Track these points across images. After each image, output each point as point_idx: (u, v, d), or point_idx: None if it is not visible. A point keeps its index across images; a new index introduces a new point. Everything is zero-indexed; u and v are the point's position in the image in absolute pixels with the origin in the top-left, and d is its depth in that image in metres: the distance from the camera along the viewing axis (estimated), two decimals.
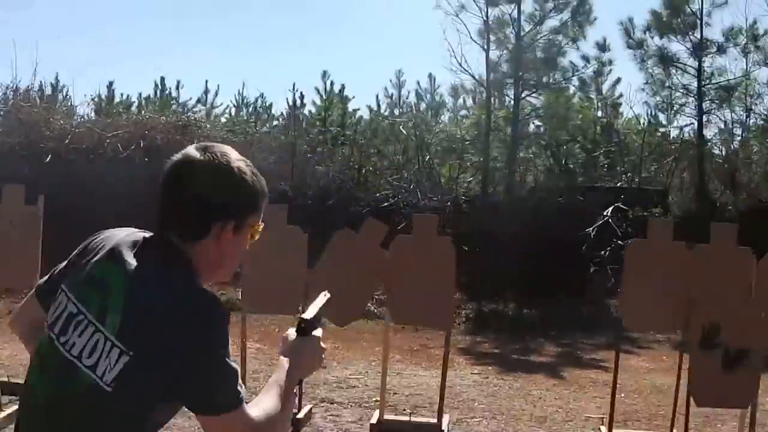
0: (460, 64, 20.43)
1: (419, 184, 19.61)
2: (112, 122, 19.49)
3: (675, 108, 20.34)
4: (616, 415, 8.61)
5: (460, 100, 23.24)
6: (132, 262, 2.39)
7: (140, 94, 27.21)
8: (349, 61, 37.75)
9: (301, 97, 25.35)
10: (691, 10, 19.38)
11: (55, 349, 2.39)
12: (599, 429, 8.80)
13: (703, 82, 19.57)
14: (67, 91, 25.25)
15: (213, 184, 2.44)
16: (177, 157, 2.50)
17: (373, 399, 9.70)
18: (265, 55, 40.24)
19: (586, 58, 19.91)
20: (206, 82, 27.22)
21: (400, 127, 20.81)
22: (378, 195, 18.55)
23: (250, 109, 27.62)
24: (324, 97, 25.17)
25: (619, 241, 17.00)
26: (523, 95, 20.23)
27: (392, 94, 26.53)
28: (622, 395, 10.43)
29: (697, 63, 19.56)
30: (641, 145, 20.59)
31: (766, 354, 7.99)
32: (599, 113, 22.17)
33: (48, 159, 17.77)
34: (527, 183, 20.60)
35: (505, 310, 16.55)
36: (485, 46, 19.98)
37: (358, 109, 26.03)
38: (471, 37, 19.95)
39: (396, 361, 11.90)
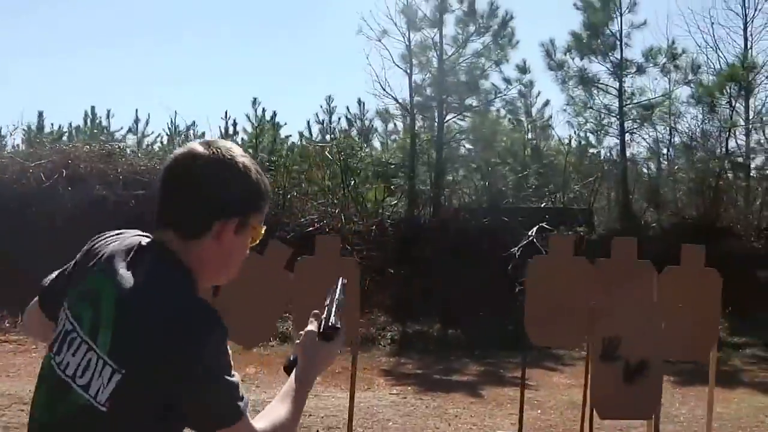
0: (384, 89, 20.56)
1: (345, 208, 19.63)
2: (34, 152, 19.28)
3: (599, 128, 20.56)
4: (532, 431, 8.65)
5: (389, 125, 23.33)
6: (123, 273, 2.25)
7: (70, 124, 27.11)
8: (280, 88, 37.80)
9: (234, 124, 25.50)
10: (611, 31, 19.67)
11: (51, 369, 2.29)
12: None
13: (624, 102, 19.83)
14: None
15: (216, 179, 2.29)
16: (179, 151, 2.33)
17: None
18: (198, 85, 40.17)
19: (507, 80, 20.08)
20: (136, 111, 27.13)
21: (326, 152, 20.78)
22: (303, 220, 18.53)
23: (182, 137, 27.57)
24: (255, 124, 25.25)
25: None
26: (447, 118, 20.33)
27: (323, 120, 26.59)
28: (539, 411, 10.50)
29: (617, 83, 19.81)
30: (565, 166, 20.76)
31: (665, 365, 8.08)
32: (529, 135, 22.34)
33: None
34: (453, 205, 20.67)
35: (430, 331, 16.56)
36: (408, 70, 20.08)
37: (290, 136, 26.21)
38: (394, 62, 20.08)
39: (315, 384, 11.84)
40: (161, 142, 27.06)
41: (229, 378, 2.22)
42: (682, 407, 11.23)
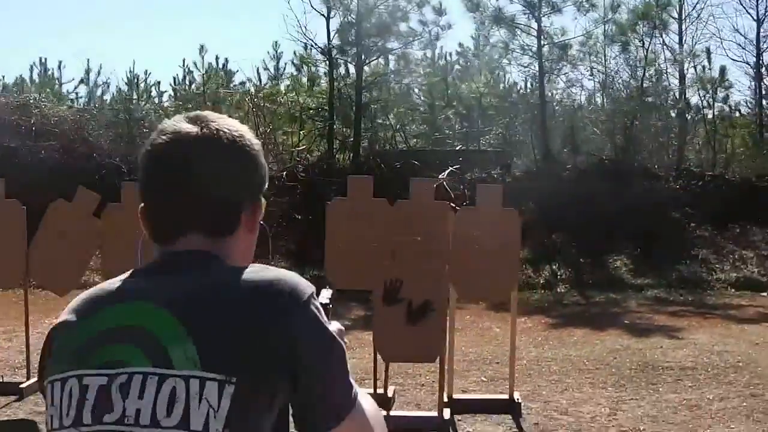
0: (305, 34, 20.39)
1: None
2: None
3: (517, 69, 20.43)
4: None
5: (296, 70, 23.16)
6: (153, 287, 1.79)
7: (20, 76, 26.84)
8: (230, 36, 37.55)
9: (188, 72, 25.36)
10: None
11: None
12: None
13: (543, 43, 19.64)
14: None
15: (239, 158, 1.87)
16: (168, 136, 1.85)
17: None
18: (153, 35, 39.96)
19: (424, 23, 19.88)
20: (87, 61, 26.91)
21: (239, 97, 20.70)
22: None
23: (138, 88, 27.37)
24: (202, 72, 25.07)
25: (452, 204, 17.06)
26: (365, 62, 20.17)
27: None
28: None
29: (536, 24, 19.61)
30: (480, 107, 20.61)
31: (447, 307, 8.02)
32: (447, 78, 22.18)
33: None
34: (368, 150, 20.55)
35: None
36: (326, 14, 19.89)
37: (244, 83, 25.89)
38: (312, 6, 19.86)
39: None
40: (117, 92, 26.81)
41: (341, 352, 1.84)
42: (538, 349, 11.18)
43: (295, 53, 24.07)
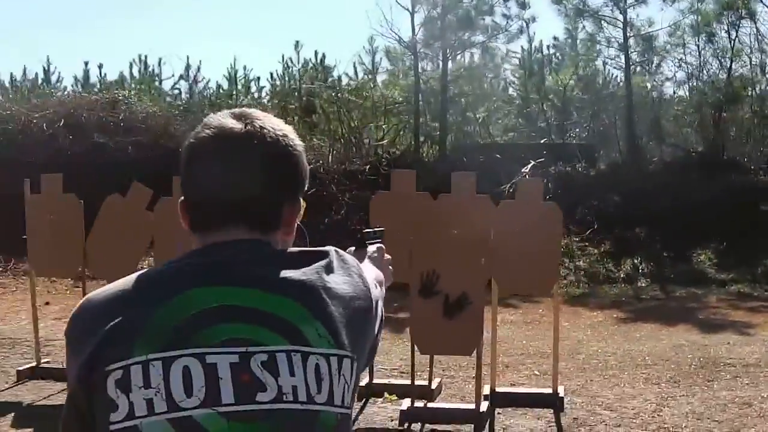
0: (390, 28, 20.52)
1: (345, 147, 19.76)
2: (43, 103, 19.83)
3: (603, 61, 20.17)
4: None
5: (391, 65, 23.23)
6: (253, 274, 1.81)
7: (121, 73, 27.39)
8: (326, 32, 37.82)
9: (287, 67, 25.61)
10: None
11: (249, 417, 1.69)
12: None
13: (629, 34, 19.36)
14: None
15: (282, 156, 1.89)
16: (214, 131, 1.87)
17: None
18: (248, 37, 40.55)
19: (508, 17, 19.77)
20: (187, 58, 27.59)
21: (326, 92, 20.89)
22: None
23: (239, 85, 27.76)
24: (299, 67, 25.35)
25: None
26: (450, 56, 20.17)
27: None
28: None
29: (622, 16, 19.34)
30: (564, 99, 20.41)
31: (485, 301, 7.99)
32: (531, 71, 22.03)
33: None
34: (453, 143, 20.52)
35: None
36: (411, 9, 19.95)
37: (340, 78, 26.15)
38: (397, 1, 19.94)
39: None
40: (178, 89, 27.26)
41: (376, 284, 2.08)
42: (600, 343, 11.08)
43: (364, 47, 24.28)
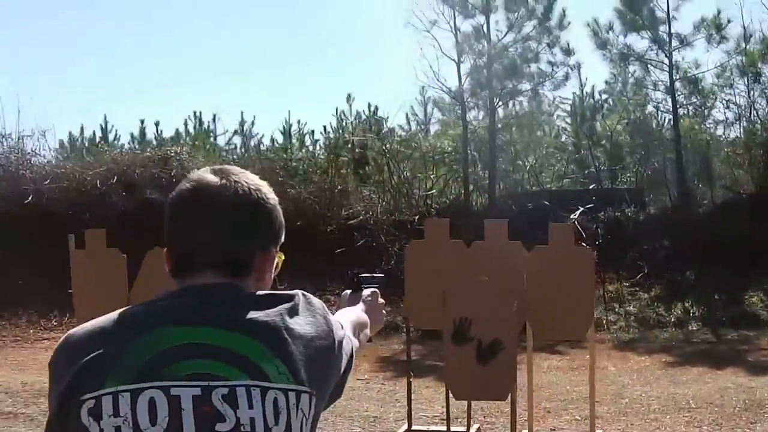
0: (437, 79, 20.70)
1: (395, 198, 19.93)
2: (96, 160, 20.28)
3: (648, 105, 20.15)
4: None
5: (441, 114, 23.41)
6: (217, 314, 1.95)
7: (177, 130, 27.82)
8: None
9: (340, 119, 25.92)
10: (658, 5, 19.22)
11: None
12: None
13: (675, 77, 19.36)
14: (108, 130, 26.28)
15: (254, 210, 2.07)
16: (193, 184, 2.07)
17: None
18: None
19: (553, 64, 19.86)
20: (242, 113, 27.80)
21: (371, 143, 21.10)
22: (345, 213, 18.87)
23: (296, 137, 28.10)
24: (351, 119, 25.59)
25: (583, 244, 16.95)
26: (498, 104, 20.31)
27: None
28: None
29: (667, 59, 19.35)
30: (611, 146, 20.41)
31: (519, 346, 8.05)
32: (577, 118, 22.09)
33: (29, 200, 18.57)
34: (502, 191, 20.60)
35: None
36: (457, 59, 20.14)
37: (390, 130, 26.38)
38: (443, 51, 20.13)
39: None
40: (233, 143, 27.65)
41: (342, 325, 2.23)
42: (645, 387, 11.02)
43: (416, 98, 24.57)
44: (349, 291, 2.90)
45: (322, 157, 23.66)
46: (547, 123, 22.14)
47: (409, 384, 8.94)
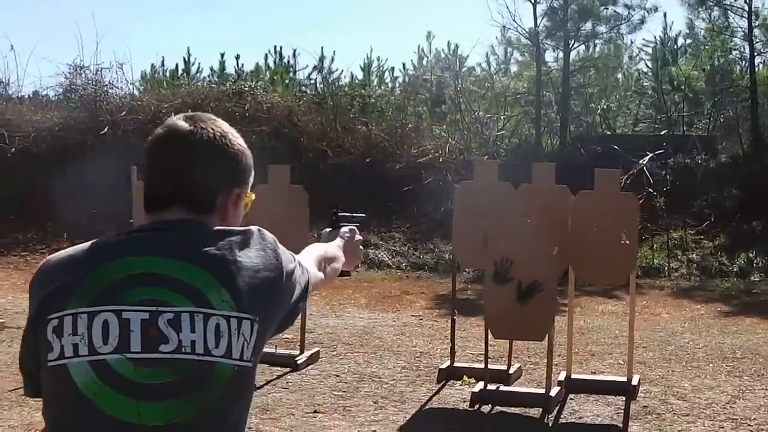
0: (513, 19, 20.63)
1: (465, 138, 20.02)
2: (171, 94, 20.66)
3: (725, 52, 19.85)
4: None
5: (520, 55, 23.25)
6: (168, 242, 2.18)
7: (257, 64, 28.00)
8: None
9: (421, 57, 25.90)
10: None
11: (152, 364, 2.05)
12: None
13: (754, 23, 19.05)
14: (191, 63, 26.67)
15: (217, 153, 2.26)
16: (165, 129, 2.28)
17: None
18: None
19: (629, 6, 19.64)
20: (321, 49, 27.91)
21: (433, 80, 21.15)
22: (415, 151, 19.00)
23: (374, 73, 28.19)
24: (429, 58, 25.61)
25: (650, 190, 16.92)
26: (572, 46, 20.21)
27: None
28: None
29: (747, 4, 19.04)
30: (686, 90, 20.17)
31: (557, 288, 8.18)
32: (655, 61, 21.84)
33: (105, 131, 19.05)
34: (571, 134, 20.51)
35: None
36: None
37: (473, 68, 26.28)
38: None
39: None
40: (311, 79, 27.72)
41: (296, 259, 2.38)
42: (694, 336, 11.08)
43: (497, 38, 24.46)
44: (328, 229, 3.08)
45: (400, 94, 23.83)
46: (625, 66, 21.91)
47: (453, 322, 9.13)
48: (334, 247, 2.91)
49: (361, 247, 3.12)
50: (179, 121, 2.29)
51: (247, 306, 2.12)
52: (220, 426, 2.11)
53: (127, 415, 2.02)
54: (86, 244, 2.22)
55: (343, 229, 3.06)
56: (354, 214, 3.20)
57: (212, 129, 2.27)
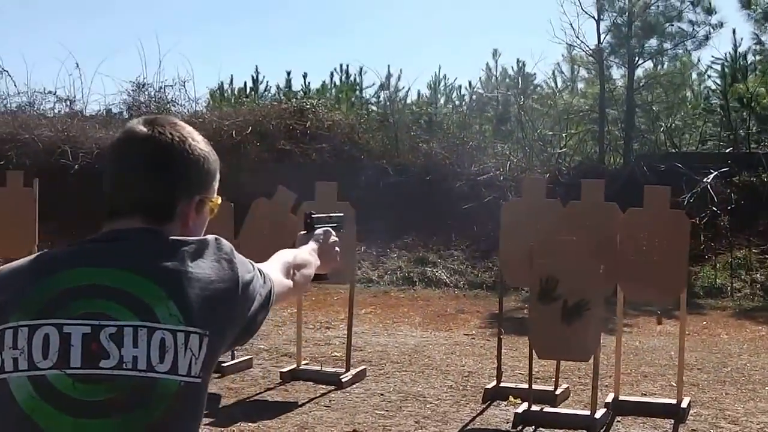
0: (577, 36, 20.41)
1: (528, 155, 19.87)
2: (234, 111, 20.78)
3: None
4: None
5: (586, 73, 23.00)
6: (120, 252, 2.09)
7: (323, 82, 28.04)
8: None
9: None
10: None
11: (92, 380, 1.98)
12: None
13: None
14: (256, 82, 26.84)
15: (176, 158, 2.16)
16: (122, 134, 2.21)
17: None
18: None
19: (694, 23, 19.32)
20: (388, 67, 27.83)
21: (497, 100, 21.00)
22: (475, 168, 18.87)
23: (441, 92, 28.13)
24: (496, 76, 25.51)
25: (714, 208, 16.63)
26: (637, 63, 19.94)
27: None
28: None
29: None
30: (752, 106, 19.78)
31: (603, 307, 8.01)
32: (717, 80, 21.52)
33: None
34: (635, 151, 20.21)
35: None
36: (596, 16, 19.83)
37: (540, 86, 26.09)
38: (583, 8, 19.81)
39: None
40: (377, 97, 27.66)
41: (256, 268, 2.29)
42: (752, 357, 10.80)
43: (563, 55, 24.18)
44: (303, 232, 2.97)
45: (465, 112, 23.75)
46: (693, 84, 21.59)
47: (499, 341, 9.01)
48: (304, 253, 2.78)
49: (337, 248, 2.99)
50: (138, 125, 2.19)
51: (197, 319, 2.04)
52: None
53: None
54: (33, 256, 2.16)
55: (317, 231, 2.94)
56: (330, 215, 3.10)
57: (171, 134, 2.17)
